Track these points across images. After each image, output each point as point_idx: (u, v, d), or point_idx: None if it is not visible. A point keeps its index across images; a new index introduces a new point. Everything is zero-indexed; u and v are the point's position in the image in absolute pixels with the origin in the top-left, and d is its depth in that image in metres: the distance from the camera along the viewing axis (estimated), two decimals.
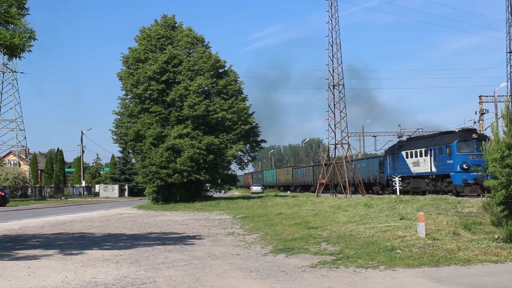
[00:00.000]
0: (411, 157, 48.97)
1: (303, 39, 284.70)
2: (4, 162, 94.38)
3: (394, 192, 46.98)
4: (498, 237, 13.98)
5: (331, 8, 51.63)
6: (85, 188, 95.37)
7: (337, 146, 51.85)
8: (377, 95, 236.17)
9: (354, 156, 71.06)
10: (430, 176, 45.68)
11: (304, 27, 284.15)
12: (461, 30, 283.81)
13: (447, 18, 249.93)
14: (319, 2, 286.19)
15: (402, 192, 47.04)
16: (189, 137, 45.73)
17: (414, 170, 48.13)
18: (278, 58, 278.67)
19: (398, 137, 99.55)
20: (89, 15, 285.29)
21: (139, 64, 48.26)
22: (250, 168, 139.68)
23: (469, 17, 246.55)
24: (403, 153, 50.59)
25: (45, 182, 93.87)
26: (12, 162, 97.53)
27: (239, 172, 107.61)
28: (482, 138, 41.85)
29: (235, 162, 52.07)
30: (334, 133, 51.42)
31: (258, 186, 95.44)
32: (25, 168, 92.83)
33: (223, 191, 57.14)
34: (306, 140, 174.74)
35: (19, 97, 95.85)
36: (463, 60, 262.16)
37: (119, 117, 49.86)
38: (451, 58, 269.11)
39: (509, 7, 78.20)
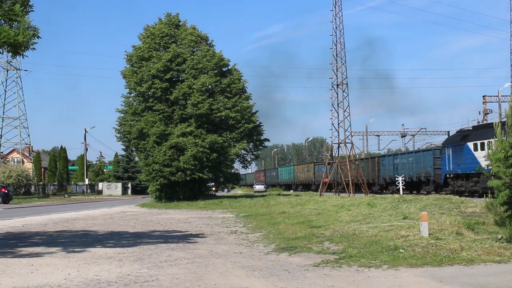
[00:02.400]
0: (482, 149, 37.76)
1: (307, 37, 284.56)
2: (7, 159, 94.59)
3: (454, 193, 40.65)
4: (502, 237, 13.95)
5: (335, 7, 51.62)
6: (88, 186, 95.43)
7: (340, 145, 51.82)
8: (381, 93, 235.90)
9: (358, 155, 70.76)
10: None
11: (309, 25, 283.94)
12: (465, 30, 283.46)
13: (451, 17, 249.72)
14: (323, 1, 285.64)
15: (468, 193, 40.09)
16: (193, 135, 45.75)
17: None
18: (281, 56, 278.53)
19: (402, 136, 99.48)
20: (91, 13, 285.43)
21: (143, 62, 48.30)
22: (253, 167, 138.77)
23: (473, 17, 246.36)
24: (470, 144, 40.56)
25: (48, 180, 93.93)
26: (15, 160, 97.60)
27: (242, 171, 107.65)
28: None
29: (238, 160, 52.15)
30: (338, 132, 51.47)
31: (261, 185, 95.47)
32: (28, 165, 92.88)
33: (226, 189, 57.12)
34: (310, 139, 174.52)
35: (22, 95, 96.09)
36: (467, 60, 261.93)
37: (122, 115, 49.95)
38: (455, 57, 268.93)
39: None
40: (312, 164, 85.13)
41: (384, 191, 54.79)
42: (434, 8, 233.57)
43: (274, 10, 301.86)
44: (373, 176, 60.61)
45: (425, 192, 47.24)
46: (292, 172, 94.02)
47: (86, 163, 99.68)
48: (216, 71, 48.04)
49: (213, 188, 59.59)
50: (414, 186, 52.01)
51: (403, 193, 42.83)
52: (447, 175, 43.81)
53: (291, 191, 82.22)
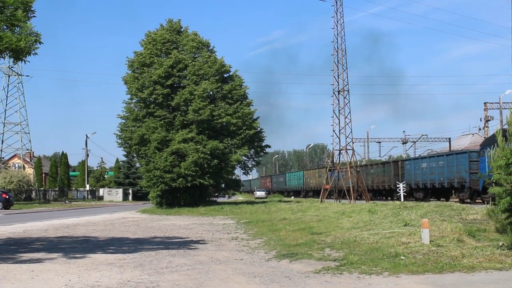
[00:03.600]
0: None
1: (309, 43, 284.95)
2: (8, 165, 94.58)
3: (495, 200, 34.70)
4: (503, 244, 13.94)
5: (336, 14, 51.65)
6: (89, 192, 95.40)
7: (341, 151, 51.81)
8: (381, 100, 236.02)
9: (359, 162, 70.36)
10: None
11: (311, 30, 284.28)
12: (466, 37, 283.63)
13: (452, 24, 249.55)
14: (324, 7, 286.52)
15: None
16: (194, 141, 45.77)
17: None
18: (283, 61, 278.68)
19: (403, 143, 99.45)
20: (92, 18, 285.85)
21: (145, 68, 48.39)
22: (254, 173, 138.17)
23: (474, 23, 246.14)
24: None
25: (49, 185, 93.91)
26: (16, 165, 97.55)
27: (244, 177, 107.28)
28: None
29: (239, 167, 52.18)
30: (339, 138, 51.40)
31: (262, 191, 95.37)
32: (29, 171, 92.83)
33: (227, 195, 57.13)
34: (311, 146, 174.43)
35: (24, 100, 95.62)
36: (468, 67, 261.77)
37: (124, 121, 50.01)
38: (456, 64, 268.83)
39: None
40: (325, 169, 76.47)
41: (409, 199, 48.56)
42: (434, 15, 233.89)
43: (276, 15, 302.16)
44: (396, 182, 52.75)
45: (458, 200, 43.53)
46: (302, 178, 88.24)
47: (87, 168, 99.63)
48: (217, 77, 48.09)
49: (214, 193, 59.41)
50: (443, 193, 47.31)
51: (436, 200, 42.40)
52: (486, 181, 38.39)
53: (301, 197, 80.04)
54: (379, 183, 57.74)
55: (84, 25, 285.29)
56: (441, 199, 46.25)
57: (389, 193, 56.43)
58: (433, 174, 46.78)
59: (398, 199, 45.97)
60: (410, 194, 50.59)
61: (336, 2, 51.57)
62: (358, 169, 55.06)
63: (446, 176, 45.40)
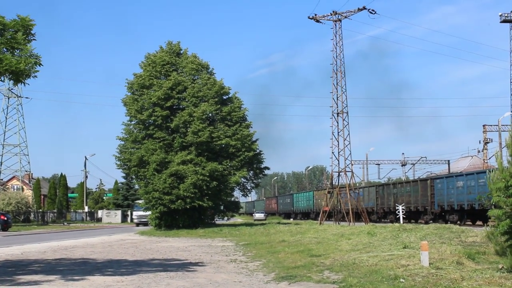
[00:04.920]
0: None
1: (308, 65, 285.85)
2: (7, 186, 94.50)
3: None
4: (502, 267, 13.89)
5: (335, 36, 51.88)
6: (87, 214, 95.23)
7: (340, 173, 51.77)
8: (380, 122, 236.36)
9: (357, 184, 70.00)
10: None
11: (309, 53, 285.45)
12: (465, 59, 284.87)
13: (450, 47, 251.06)
14: (323, 30, 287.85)
15: None
16: (193, 163, 45.75)
17: None
18: (282, 83, 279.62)
19: (402, 165, 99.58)
20: (87, 38, 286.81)
21: (144, 90, 48.50)
22: (253, 196, 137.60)
23: (473, 46, 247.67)
24: None
25: (48, 207, 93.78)
26: (15, 187, 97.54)
27: (242, 199, 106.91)
28: None
29: (238, 189, 52.12)
30: (338, 160, 51.37)
31: (261, 213, 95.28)
32: (28, 193, 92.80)
33: (225, 217, 56.97)
34: (310, 168, 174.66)
35: (23, 122, 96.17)
36: (467, 89, 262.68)
37: (123, 142, 50.02)
38: (455, 87, 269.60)
39: None
40: (337, 189, 73.78)
41: (439, 221, 45.15)
42: (433, 37, 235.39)
43: (276, 37, 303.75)
44: (423, 203, 50.36)
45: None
46: (312, 199, 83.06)
47: (86, 190, 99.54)
48: (216, 99, 48.20)
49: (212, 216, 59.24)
50: (482, 215, 40.49)
51: (472, 223, 40.18)
52: None
53: (310, 220, 76.48)
54: (404, 204, 52.53)
55: (84, 48, 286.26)
56: (478, 222, 43.86)
57: (415, 215, 53.24)
58: (472, 193, 42.39)
59: (427, 222, 44.00)
60: (440, 217, 47.82)
61: (335, 25, 51.83)
62: (357, 191, 54.93)
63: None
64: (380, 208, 54.57)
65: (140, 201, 60.32)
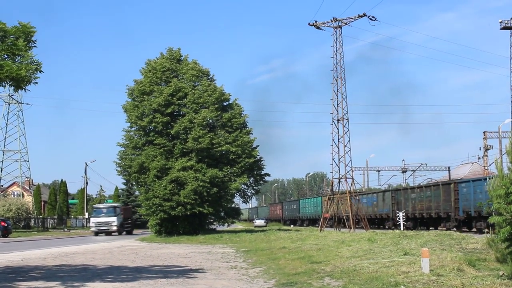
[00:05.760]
0: None
1: (307, 72, 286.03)
2: (7, 193, 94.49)
3: None
4: (503, 274, 13.88)
5: (336, 43, 51.95)
6: (88, 220, 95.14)
7: (341, 180, 51.76)
8: (381, 129, 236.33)
9: (358, 190, 69.68)
10: None
11: (308, 60, 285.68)
12: (465, 66, 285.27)
13: (450, 53, 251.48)
14: (324, 36, 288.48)
15: None
16: (193, 169, 45.73)
17: None
18: (282, 89, 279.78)
19: (402, 172, 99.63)
20: (87, 44, 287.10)
21: (144, 96, 48.51)
22: (253, 202, 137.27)
23: (473, 53, 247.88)
24: None
25: (48, 213, 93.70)
26: (15, 193, 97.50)
27: (242, 205, 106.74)
28: None
29: (239, 195, 52.08)
30: (338, 167, 51.38)
31: (262, 219, 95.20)
32: (28, 199, 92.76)
33: (226, 224, 56.99)
34: (310, 174, 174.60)
35: (24, 128, 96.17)
36: (467, 96, 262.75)
37: (123, 149, 50.02)
38: (455, 93, 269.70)
39: None
40: (348, 194, 65.90)
41: (463, 228, 43.93)
42: (433, 44, 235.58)
43: (276, 44, 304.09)
44: (446, 208, 47.22)
45: None
46: (320, 204, 78.10)
47: (86, 196, 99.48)
48: (217, 106, 48.22)
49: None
50: None
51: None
52: None
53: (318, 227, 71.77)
54: (423, 209, 50.44)
55: (84, 54, 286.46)
56: None
57: (435, 222, 50.38)
58: None
59: (449, 229, 41.95)
60: (465, 223, 45.39)
61: (336, 32, 51.92)
62: (357, 197, 54.86)
63: None
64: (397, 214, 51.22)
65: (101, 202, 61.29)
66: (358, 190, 65.02)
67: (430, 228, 48.08)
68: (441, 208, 47.58)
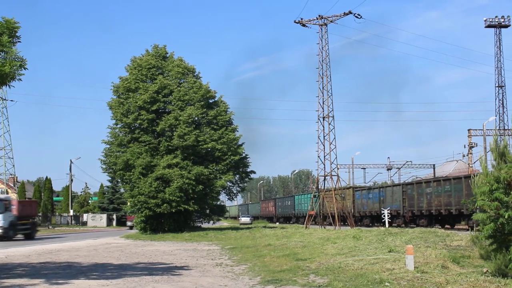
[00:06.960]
0: None
1: (294, 68, 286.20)
2: None
3: None
4: (487, 270, 13.97)
5: (321, 40, 52.03)
6: (73, 217, 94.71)
7: (326, 177, 51.87)
8: (366, 127, 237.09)
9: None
10: None
11: (294, 58, 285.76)
12: (450, 64, 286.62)
13: (435, 51, 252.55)
14: (309, 34, 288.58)
15: None
16: (179, 167, 45.66)
17: None
18: (268, 87, 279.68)
19: (388, 169, 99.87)
20: (73, 43, 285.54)
21: (130, 93, 48.34)
22: (239, 199, 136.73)
23: (458, 51, 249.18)
24: None
25: None
26: None
27: (228, 202, 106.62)
28: None
29: (224, 192, 52.05)
30: (324, 164, 51.50)
31: (247, 217, 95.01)
32: (13, 196, 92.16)
33: (211, 221, 56.89)
34: (296, 172, 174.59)
35: (8, 125, 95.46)
36: (452, 94, 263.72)
37: (108, 146, 49.82)
38: (440, 91, 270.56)
39: (498, 42, 79.31)
40: (351, 190, 64.77)
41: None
42: (418, 42, 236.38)
43: (263, 41, 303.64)
44: (469, 204, 40.84)
45: None
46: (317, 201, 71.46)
47: (71, 194, 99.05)
48: (202, 103, 48.13)
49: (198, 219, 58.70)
50: None
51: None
52: None
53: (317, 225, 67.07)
54: (440, 205, 44.69)
55: (71, 50, 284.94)
56: None
57: (454, 219, 45.27)
58: None
59: (471, 227, 38.10)
60: None
61: (321, 29, 52.01)
62: (342, 195, 54.96)
63: None
64: (408, 211, 48.11)
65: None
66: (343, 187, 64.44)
67: (446, 227, 44.85)
68: (461, 204, 41.16)
